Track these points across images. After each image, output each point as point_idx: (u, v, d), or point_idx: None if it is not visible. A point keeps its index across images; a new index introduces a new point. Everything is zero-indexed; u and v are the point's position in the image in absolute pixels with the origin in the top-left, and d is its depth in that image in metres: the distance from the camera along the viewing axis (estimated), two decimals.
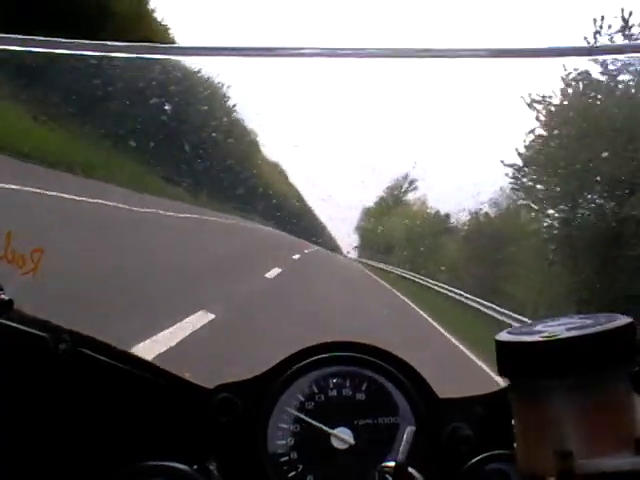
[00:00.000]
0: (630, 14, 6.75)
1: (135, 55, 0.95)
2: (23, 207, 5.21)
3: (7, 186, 5.85)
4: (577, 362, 0.53)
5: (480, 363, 5.14)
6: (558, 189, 7.37)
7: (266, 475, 0.99)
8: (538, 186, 7.67)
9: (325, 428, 1.00)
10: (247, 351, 3.76)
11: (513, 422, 0.58)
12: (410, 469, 0.82)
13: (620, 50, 1.25)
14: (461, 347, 6.11)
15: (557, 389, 0.53)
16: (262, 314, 5.40)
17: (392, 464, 0.82)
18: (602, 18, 6.95)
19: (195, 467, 0.94)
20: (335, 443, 1.00)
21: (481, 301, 7.54)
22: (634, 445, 0.53)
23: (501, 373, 0.57)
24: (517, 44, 1.04)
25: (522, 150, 7.51)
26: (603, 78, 6.59)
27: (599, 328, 0.53)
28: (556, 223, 7.60)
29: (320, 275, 9.02)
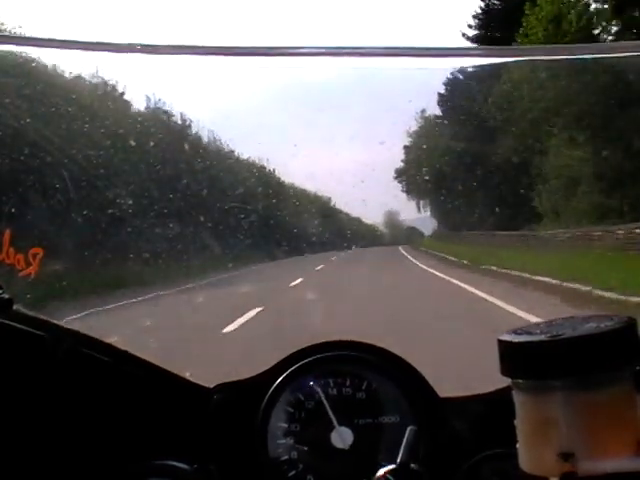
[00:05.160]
0: None
1: (136, 54, 0.94)
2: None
3: None
4: (581, 362, 0.52)
5: None
6: None
7: (266, 474, 0.99)
8: None
9: (325, 427, 1.00)
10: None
11: (516, 422, 0.58)
12: (413, 465, 0.83)
13: (621, 49, 1.24)
14: None
15: (560, 389, 0.53)
16: None
17: (392, 467, 0.83)
18: None
19: (195, 467, 0.94)
20: (335, 442, 0.99)
21: None
22: (637, 446, 0.53)
23: (504, 373, 0.57)
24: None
25: None
26: None
27: (603, 328, 0.53)
28: None
29: None
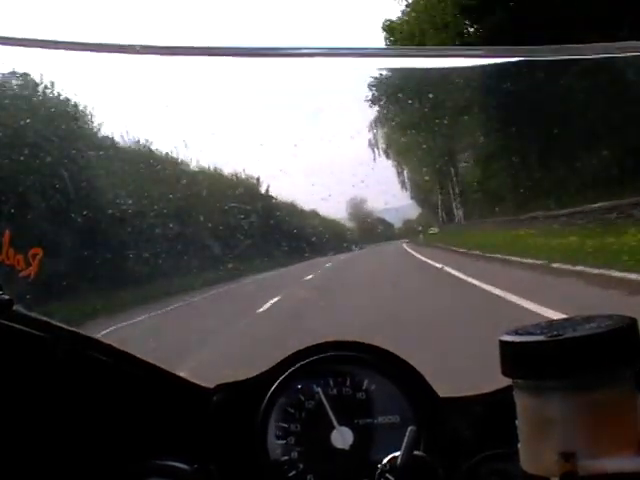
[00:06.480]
0: None
1: (136, 55, 0.94)
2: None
3: None
4: (581, 362, 0.53)
5: None
6: None
7: (266, 475, 0.99)
8: None
9: (325, 428, 1.00)
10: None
11: (517, 422, 0.58)
12: (419, 453, 0.84)
13: (620, 49, 1.24)
14: None
15: (561, 389, 0.54)
16: None
17: (391, 457, 0.84)
18: None
19: (195, 467, 0.94)
20: (335, 442, 0.99)
21: None
22: (637, 445, 0.53)
23: (505, 373, 0.57)
24: None
25: None
26: None
27: (603, 328, 0.53)
28: None
29: None
